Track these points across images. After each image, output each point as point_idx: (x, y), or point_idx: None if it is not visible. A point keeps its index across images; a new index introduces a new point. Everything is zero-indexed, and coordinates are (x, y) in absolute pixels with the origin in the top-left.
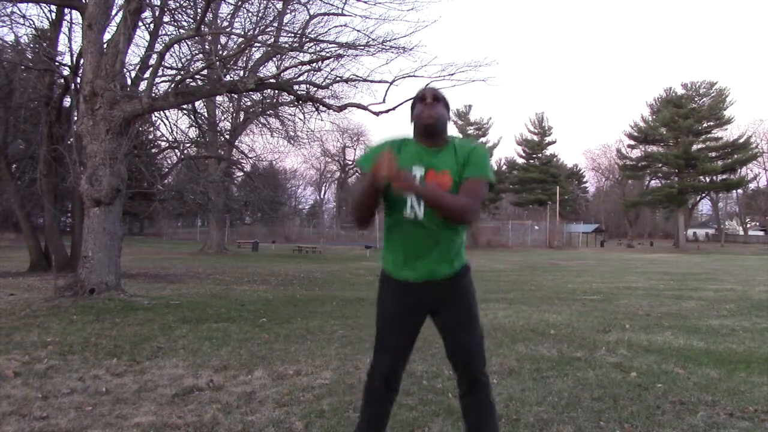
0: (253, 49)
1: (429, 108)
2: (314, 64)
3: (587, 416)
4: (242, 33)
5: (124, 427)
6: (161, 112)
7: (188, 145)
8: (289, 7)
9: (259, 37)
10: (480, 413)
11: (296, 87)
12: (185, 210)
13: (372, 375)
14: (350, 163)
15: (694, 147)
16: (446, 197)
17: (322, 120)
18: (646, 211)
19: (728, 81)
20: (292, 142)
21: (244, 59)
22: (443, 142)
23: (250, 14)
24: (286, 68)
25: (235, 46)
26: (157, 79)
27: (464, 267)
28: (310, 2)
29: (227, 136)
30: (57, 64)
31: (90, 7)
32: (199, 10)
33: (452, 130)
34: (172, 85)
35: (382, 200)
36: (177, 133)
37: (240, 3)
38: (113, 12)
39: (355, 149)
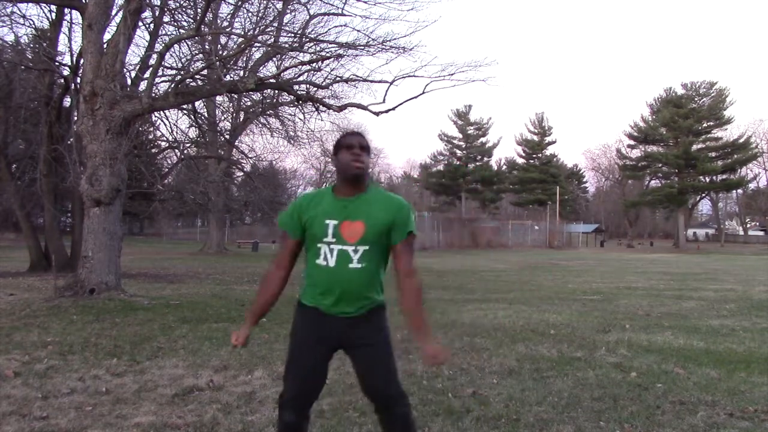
0: (253, 49)
1: (358, 158)
2: (314, 64)
3: (587, 416)
4: (242, 33)
5: (124, 427)
6: (161, 112)
7: (188, 145)
8: (289, 7)
9: (259, 37)
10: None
11: (296, 87)
12: (185, 210)
13: (284, 405)
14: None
15: (694, 147)
16: (419, 307)
17: (322, 120)
18: (646, 211)
19: (728, 81)
20: (292, 142)
21: (244, 59)
22: (362, 190)
23: (250, 14)
24: (286, 68)
25: (235, 46)
26: (157, 79)
27: (377, 307)
28: (310, 2)
29: (227, 136)
30: (57, 64)
31: (90, 7)
32: (199, 10)
33: (452, 127)
34: (172, 85)
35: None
36: (177, 133)
37: (240, 3)
38: (113, 12)
39: None
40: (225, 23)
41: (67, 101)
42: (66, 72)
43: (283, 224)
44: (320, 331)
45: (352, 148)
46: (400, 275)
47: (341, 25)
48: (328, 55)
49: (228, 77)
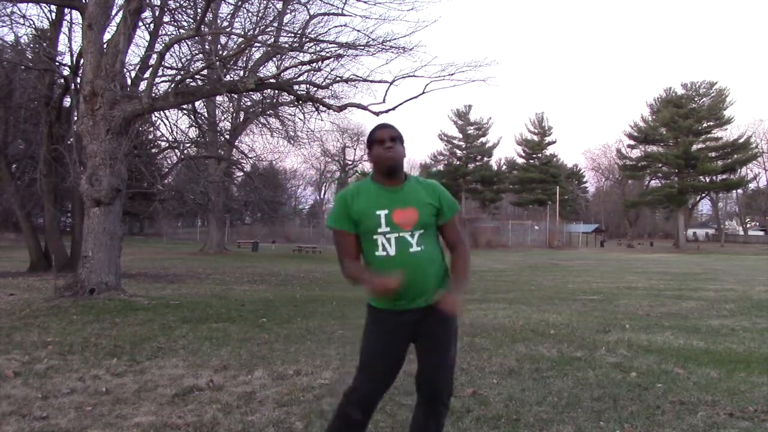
0: (253, 49)
1: (390, 150)
2: (314, 64)
3: (587, 416)
4: (242, 33)
5: (124, 427)
6: (161, 112)
7: (188, 145)
8: (289, 7)
9: (259, 37)
10: None
11: (296, 87)
12: (185, 210)
13: (353, 403)
14: (350, 163)
15: (694, 147)
16: (467, 271)
17: (322, 120)
18: (646, 211)
19: (728, 81)
20: (292, 142)
21: (244, 59)
22: (402, 180)
23: (250, 14)
24: (286, 68)
25: (235, 46)
26: (157, 79)
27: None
28: (310, 2)
29: (227, 136)
30: (57, 64)
31: (90, 7)
32: (199, 10)
33: (452, 127)
34: (172, 85)
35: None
36: (177, 133)
37: (240, 3)
38: (113, 12)
39: (355, 149)
40: (225, 23)
41: (67, 101)
42: (66, 72)
43: (333, 224)
44: (394, 331)
45: (383, 141)
46: (453, 245)
47: (341, 25)
48: (328, 55)
49: (228, 77)
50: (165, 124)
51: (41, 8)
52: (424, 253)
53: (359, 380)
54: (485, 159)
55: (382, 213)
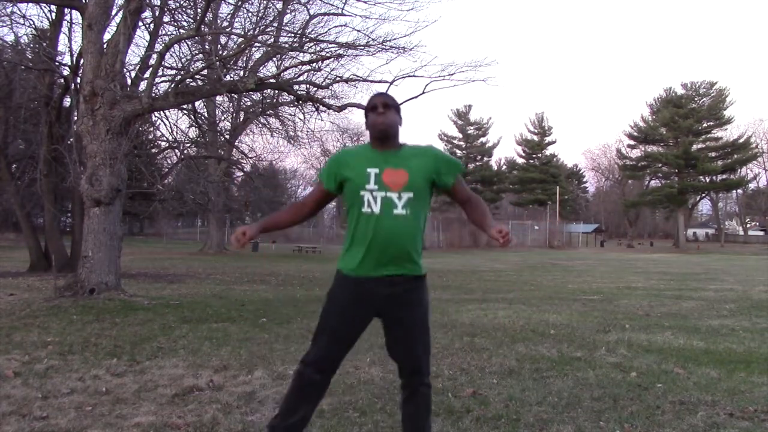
0: (253, 49)
1: (381, 116)
2: (314, 64)
3: (587, 416)
4: (242, 33)
5: (124, 427)
6: (161, 112)
7: (188, 145)
8: (289, 7)
9: (259, 37)
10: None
11: (296, 87)
12: (185, 210)
13: (310, 364)
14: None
15: (694, 147)
16: (486, 212)
17: (322, 120)
18: (646, 211)
19: (728, 81)
20: (292, 142)
21: (244, 59)
22: (396, 147)
23: (250, 14)
24: (286, 68)
25: (235, 46)
26: (157, 79)
27: (417, 277)
28: (310, 2)
29: (227, 136)
30: (57, 64)
31: (90, 7)
32: (199, 10)
33: (452, 127)
34: (172, 85)
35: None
36: (177, 133)
37: (240, 3)
38: (113, 12)
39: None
40: (225, 23)
41: (67, 101)
42: (66, 72)
43: (321, 175)
44: (359, 297)
45: (375, 108)
46: (466, 201)
47: (341, 25)
48: (328, 55)
49: (228, 77)
50: (165, 124)
51: (41, 8)
52: (407, 218)
53: (316, 343)
54: (485, 159)
55: (373, 171)
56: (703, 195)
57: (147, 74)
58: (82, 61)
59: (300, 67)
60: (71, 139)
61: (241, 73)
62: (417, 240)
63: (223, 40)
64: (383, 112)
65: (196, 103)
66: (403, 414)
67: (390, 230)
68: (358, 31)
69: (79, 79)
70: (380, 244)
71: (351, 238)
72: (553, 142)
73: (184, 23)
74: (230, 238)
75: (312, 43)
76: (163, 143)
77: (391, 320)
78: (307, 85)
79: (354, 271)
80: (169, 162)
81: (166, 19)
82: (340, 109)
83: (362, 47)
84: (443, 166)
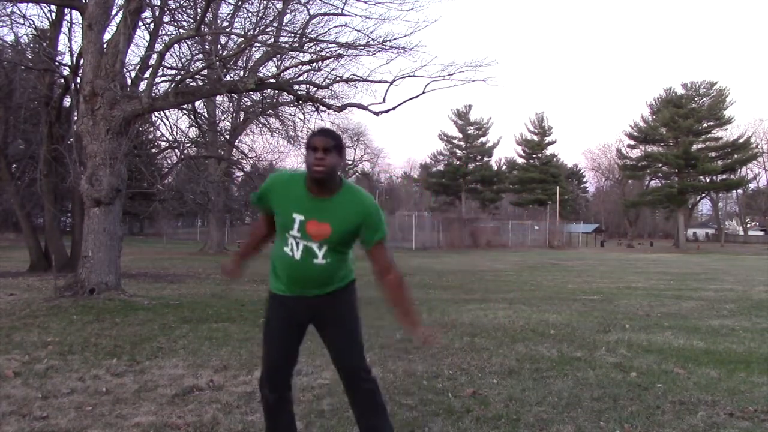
0: (253, 49)
1: (319, 161)
2: (314, 64)
3: (587, 416)
4: (242, 33)
5: (124, 427)
6: (161, 112)
7: (188, 145)
8: (289, 7)
9: (259, 37)
10: (364, 413)
11: (296, 87)
12: (185, 210)
13: (262, 384)
14: (350, 163)
15: (694, 147)
16: (405, 297)
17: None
18: (646, 211)
19: (728, 81)
20: (292, 142)
21: (244, 59)
22: (332, 191)
23: (250, 14)
24: (286, 68)
25: (235, 46)
26: (157, 79)
27: (348, 283)
28: (310, 2)
29: (227, 136)
30: (57, 64)
31: (90, 7)
32: (199, 10)
33: (452, 127)
34: (172, 85)
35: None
36: (177, 133)
37: (240, 3)
38: (113, 12)
39: (355, 149)
40: (225, 23)
41: (67, 101)
42: (66, 72)
43: (255, 203)
44: (288, 311)
45: (315, 149)
46: (379, 274)
47: (341, 25)
48: (328, 55)
49: (228, 77)
50: (165, 124)
51: (41, 8)
52: (327, 266)
53: (263, 361)
54: (485, 159)
55: (298, 218)
56: (703, 195)
57: (147, 74)
58: (82, 61)
59: (300, 67)
60: (71, 139)
61: (241, 73)
62: (340, 272)
63: (223, 40)
64: (322, 158)
65: (196, 103)
66: (356, 418)
67: (308, 275)
68: (358, 31)
69: (79, 79)
70: (300, 282)
71: (274, 266)
72: (553, 142)
73: (184, 23)
74: (222, 272)
75: (312, 43)
76: (163, 143)
77: (320, 325)
78: (307, 85)
79: (281, 291)
80: (169, 162)
81: (166, 19)
82: (340, 109)
83: (362, 47)
84: (367, 230)
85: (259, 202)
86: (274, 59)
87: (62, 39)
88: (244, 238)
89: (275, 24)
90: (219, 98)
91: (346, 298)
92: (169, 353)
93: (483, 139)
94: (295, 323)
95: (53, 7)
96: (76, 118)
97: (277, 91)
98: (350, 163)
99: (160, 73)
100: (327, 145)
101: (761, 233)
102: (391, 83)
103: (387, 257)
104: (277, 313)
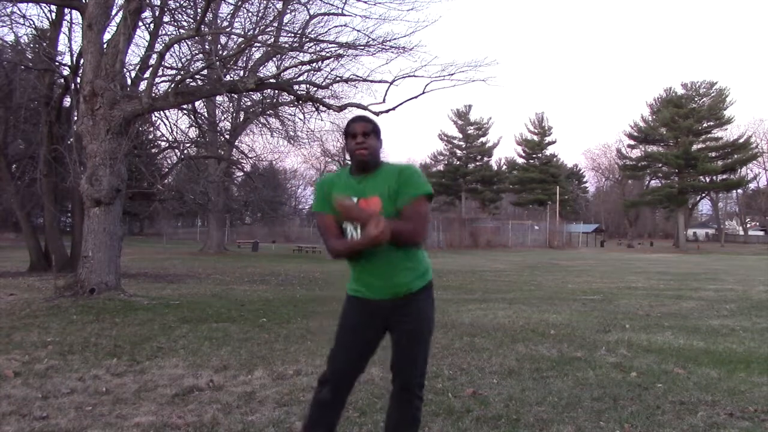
0: (253, 49)
1: (360, 146)
2: (314, 64)
3: (587, 416)
4: (242, 33)
5: (124, 427)
6: (161, 112)
7: (188, 145)
8: (289, 7)
9: (259, 37)
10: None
11: (296, 87)
12: (185, 210)
13: (323, 382)
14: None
15: (694, 147)
16: (396, 226)
17: (322, 120)
18: (646, 211)
19: (728, 81)
20: (292, 142)
21: (244, 59)
22: (375, 168)
23: (250, 14)
24: (286, 68)
25: (235, 46)
26: (157, 79)
27: (424, 286)
28: (310, 2)
29: (227, 136)
30: (57, 64)
31: (90, 7)
32: (199, 10)
33: (452, 127)
34: (172, 85)
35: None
36: (177, 133)
37: (240, 3)
38: (113, 12)
39: None
40: (225, 23)
41: (67, 101)
42: (66, 72)
43: (319, 209)
44: (365, 316)
45: (355, 136)
46: (405, 220)
47: (341, 25)
48: (328, 55)
49: (228, 77)
50: (165, 124)
51: (41, 8)
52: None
53: (331, 363)
54: (485, 159)
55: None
56: (703, 195)
57: (147, 74)
58: (82, 61)
59: (300, 67)
60: (71, 139)
61: (241, 73)
62: (413, 261)
63: (223, 40)
64: (362, 141)
65: (196, 103)
66: (388, 424)
67: (377, 258)
68: (358, 31)
69: (79, 79)
70: (370, 272)
71: (350, 262)
72: (553, 142)
73: (184, 23)
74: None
75: (312, 43)
76: (163, 143)
77: (397, 330)
78: (307, 85)
79: (358, 294)
80: (169, 162)
81: (166, 19)
82: (340, 109)
83: (362, 47)
84: (404, 184)
85: (321, 204)
86: (274, 59)
87: (62, 39)
88: (339, 246)
89: (275, 24)
90: (219, 98)
91: (423, 307)
92: (169, 353)
93: (483, 139)
94: (370, 328)
95: (53, 7)
96: (76, 118)
97: (277, 91)
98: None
99: (160, 73)
100: (366, 129)
101: (761, 233)
102: (391, 83)
103: (420, 214)
104: (353, 315)
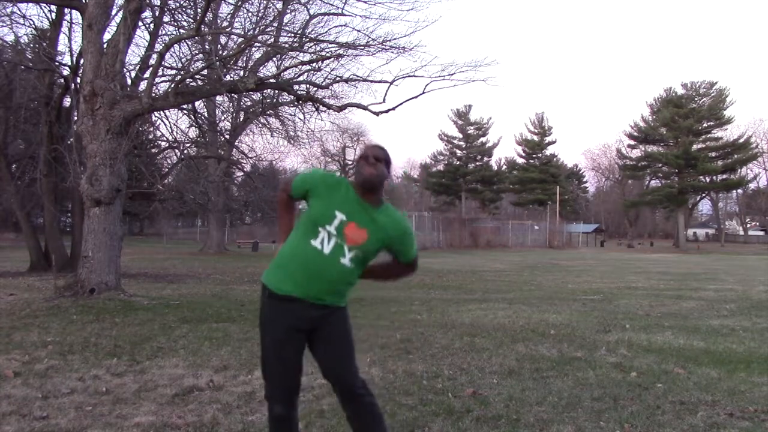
0: (253, 49)
1: (372, 167)
2: (314, 64)
3: (587, 416)
4: (242, 33)
5: (124, 427)
6: (161, 112)
7: (188, 145)
8: (289, 7)
9: (259, 37)
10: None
11: (296, 87)
12: (185, 210)
13: (268, 398)
14: (350, 163)
15: (694, 147)
16: (381, 268)
17: (322, 120)
18: (646, 211)
19: (728, 81)
20: (292, 142)
21: (244, 59)
22: (377, 202)
23: (250, 14)
24: (286, 68)
25: (235, 46)
26: (157, 79)
27: (343, 307)
28: (310, 2)
29: (227, 136)
30: (57, 64)
31: (90, 7)
32: (199, 10)
33: (452, 127)
34: (172, 85)
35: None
36: (177, 133)
37: (240, 3)
38: (113, 12)
39: (355, 149)
40: (225, 23)
41: (67, 101)
42: (66, 72)
43: (297, 183)
44: (295, 320)
45: (367, 158)
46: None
47: (341, 25)
48: (328, 55)
49: (228, 77)
50: (165, 124)
51: (41, 8)
52: (348, 271)
53: (268, 377)
54: (485, 159)
55: (340, 216)
56: (703, 195)
57: (147, 74)
58: (82, 61)
59: (300, 67)
60: (71, 139)
61: (241, 73)
62: (351, 285)
63: (223, 40)
64: (374, 163)
65: (196, 103)
66: (353, 427)
67: (330, 273)
68: (358, 31)
69: (79, 79)
70: (318, 280)
71: (287, 259)
72: (553, 142)
73: (184, 23)
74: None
75: (312, 43)
76: (163, 143)
77: (321, 339)
78: (307, 85)
79: (286, 291)
80: (169, 162)
81: (166, 19)
82: (340, 109)
83: (362, 47)
84: (403, 248)
85: (303, 183)
86: (274, 59)
87: (62, 39)
88: (281, 218)
89: (275, 24)
90: (219, 98)
91: (345, 319)
92: (169, 353)
93: (483, 139)
94: (302, 331)
95: (53, 7)
96: (76, 118)
97: (277, 91)
98: (351, 163)
99: (160, 73)
100: (379, 155)
101: (761, 233)
102: (391, 83)
103: (402, 275)
104: (282, 320)
